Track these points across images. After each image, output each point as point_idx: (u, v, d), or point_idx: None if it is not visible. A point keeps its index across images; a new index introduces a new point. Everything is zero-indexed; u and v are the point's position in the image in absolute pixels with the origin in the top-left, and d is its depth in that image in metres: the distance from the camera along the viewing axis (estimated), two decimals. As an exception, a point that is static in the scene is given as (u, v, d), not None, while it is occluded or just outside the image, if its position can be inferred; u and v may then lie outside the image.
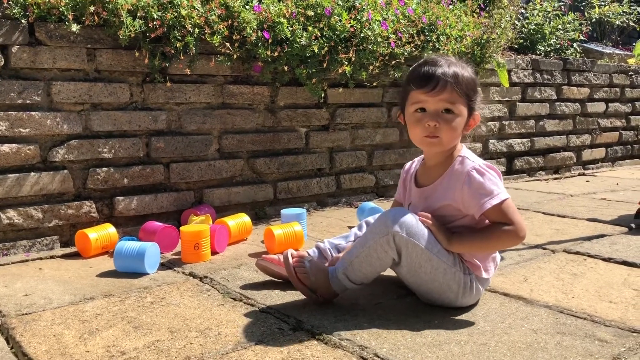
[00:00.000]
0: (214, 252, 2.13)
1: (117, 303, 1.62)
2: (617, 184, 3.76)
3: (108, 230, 2.18)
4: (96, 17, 2.21)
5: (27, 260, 2.09)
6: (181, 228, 2.06)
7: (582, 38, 5.04)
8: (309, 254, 1.70)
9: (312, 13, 2.65)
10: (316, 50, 2.60)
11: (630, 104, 4.83)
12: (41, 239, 2.21)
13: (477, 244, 1.46)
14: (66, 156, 2.24)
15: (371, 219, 1.78)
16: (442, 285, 1.47)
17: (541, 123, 4.13)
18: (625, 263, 1.93)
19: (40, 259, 2.11)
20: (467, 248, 1.47)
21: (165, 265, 2.00)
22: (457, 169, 1.50)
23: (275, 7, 2.55)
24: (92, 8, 2.19)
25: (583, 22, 5.08)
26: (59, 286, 1.79)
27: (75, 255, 2.16)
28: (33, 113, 2.16)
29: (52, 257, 2.14)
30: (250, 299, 1.63)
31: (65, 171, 2.25)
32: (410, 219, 1.45)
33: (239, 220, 2.31)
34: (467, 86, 1.47)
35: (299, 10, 2.62)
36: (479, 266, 1.51)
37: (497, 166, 3.87)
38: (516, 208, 1.46)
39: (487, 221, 1.49)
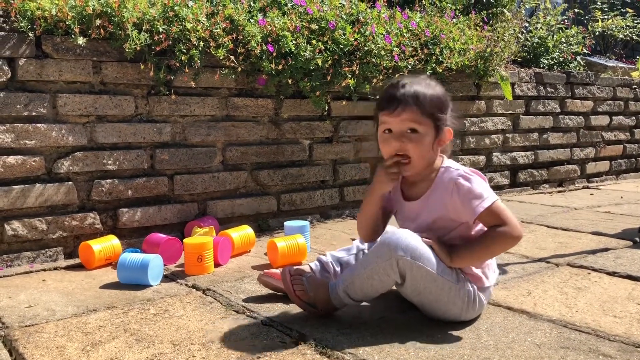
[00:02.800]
0: (217, 265, 2.13)
1: (120, 315, 1.62)
2: (622, 197, 3.75)
3: (112, 242, 2.19)
4: (102, 31, 2.23)
5: (30, 272, 2.09)
6: (184, 240, 2.06)
7: (586, 51, 5.05)
8: (311, 268, 1.70)
9: (316, 27, 2.67)
10: (320, 64, 2.61)
11: (634, 117, 4.83)
12: (45, 251, 2.22)
13: (477, 253, 1.46)
14: (71, 168, 2.25)
15: None
16: (447, 303, 1.47)
17: (545, 136, 4.13)
18: (629, 277, 1.93)
19: (44, 270, 2.12)
20: (468, 260, 1.47)
21: (168, 277, 2.01)
22: (443, 179, 1.52)
23: (280, 20, 2.57)
24: (98, 21, 2.21)
25: (586, 35, 5.09)
26: (62, 298, 1.79)
27: (79, 267, 2.16)
28: (39, 125, 2.18)
29: (55, 268, 2.14)
30: (253, 311, 1.63)
31: (70, 183, 2.26)
32: (414, 241, 1.45)
33: (242, 233, 2.31)
34: (432, 104, 1.48)
35: (303, 24, 2.64)
36: (480, 277, 1.52)
37: (501, 179, 3.87)
38: (507, 208, 1.47)
39: (479, 226, 1.51)
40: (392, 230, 1.50)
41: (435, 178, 1.54)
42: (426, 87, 1.49)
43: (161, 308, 1.68)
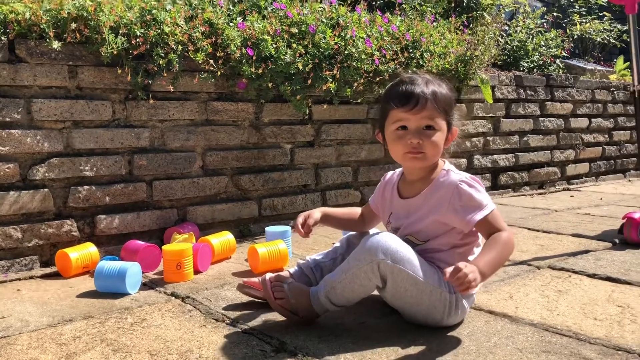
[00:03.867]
0: (197, 272, 2.10)
1: (96, 325, 1.59)
2: (601, 198, 3.79)
3: (89, 250, 2.15)
4: (78, 34, 2.19)
5: (4, 282, 2.04)
6: (163, 247, 2.03)
7: (565, 54, 5.11)
8: (290, 274, 1.68)
9: (297, 30, 2.65)
10: (300, 67, 2.60)
11: (612, 120, 4.89)
12: (20, 259, 2.17)
13: (495, 262, 1.38)
14: (47, 174, 2.21)
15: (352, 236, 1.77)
16: (429, 307, 1.46)
17: (525, 138, 4.16)
18: (609, 279, 1.93)
19: (19, 279, 2.07)
20: (491, 270, 1.38)
21: (147, 285, 1.97)
22: (443, 182, 1.51)
23: (260, 24, 2.55)
24: (73, 25, 2.17)
25: (565, 38, 5.15)
26: (37, 308, 1.75)
27: (56, 276, 2.12)
28: (13, 131, 2.13)
29: (31, 277, 2.10)
30: (233, 319, 1.61)
31: (46, 190, 2.21)
32: (395, 243, 1.44)
33: (222, 239, 2.28)
34: (445, 102, 1.50)
35: (283, 27, 2.63)
36: None
37: (483, 181, 3.87)
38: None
39: (464, 233, 1.50)
40: (373, 233, 1.49)
41: (434, 179, 1.53)
42: (439, 85, 1.51)
43: (139, 317, 1.65)
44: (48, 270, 2.17)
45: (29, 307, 1.75)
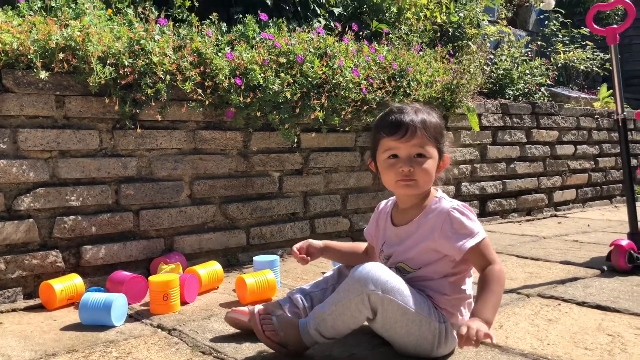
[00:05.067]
0: (183, 302, 2.07)
1: (80, 359, 1.55)
2: (589, 225, 3.80)
3: (74, 281, 2.11)
4: (65, 64, 2.19)
5: (-13, 314, 2.00)
6: (149, 278, 2.00)
7: (549, 82, 5.19)
8: (280, 305, 1.67)
9: (285, 60, 2.67)
10: (289, 97, 2.61)
11: (597, 146, 4.94)
12: (3, 291, 2.13)
13: (495, 305, 1.39)
14: (32, 205, 2.18)
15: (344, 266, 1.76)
16: (418, 337, 1.45)
17: (512, 165, 4.19)
18: (599, 307, 1.93)
19: (1, 312, 2.03)
20: (495, 314, 1.39)
21: (133, 317, 1.94)
22: (435, 208, 1.52)
23: (248, 54, 2.56)
24: (61, 55, 2.17)
25: (549, 67, 5.23)
26: (19, 342, 1.71)
27: (39, 308, 2.07)
28: (-2, 161, 2.11)
29: (14, 310, 2.05)
30: (220, 352, 1.58)
31: (31, 220, 2.18)
32: (384, 274, 1.43)
33: (209, 269, 2.26)
34: (435, 130, 1.52)
35: (272, 57, 2.65)
36: (454, 313, 1.50)
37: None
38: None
39: (456, 261, 1.49)
40: (362, 264, 1.48)
41: (427, 206, 1.54)
42: (428, 114, 1.54)
43: (124, 350, 1.62)
44: (31, 302, 2.13)
45: (11, 341, 1.71)
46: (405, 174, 1.49)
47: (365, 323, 1.53)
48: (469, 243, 1.44)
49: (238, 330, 1.73)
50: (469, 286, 1.55)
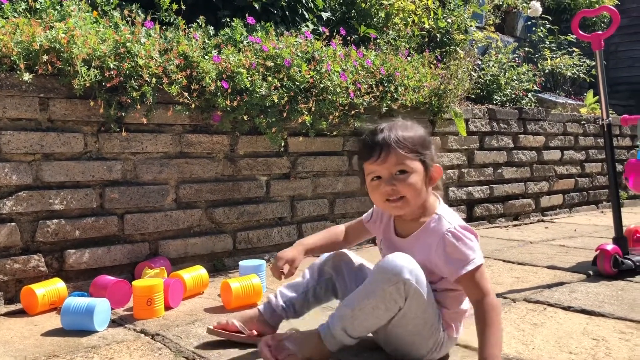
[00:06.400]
0: (168, 308, 2.04)
1: (60, 365, 1.53)
2: (575, 230, 3.82)
3: (57, 286, 2.08)
4: (50, 67, 2.17)
5: (-33, 320, 1.97)
6: (133, 283, 1.98)
7: (536, 88, 5.22)
8: (259, 311, 1.64)
9: (272, 64, 2.66)
10: (276, 100, 2.60)
11: (584, 152, 4.98)
12: (-16, 296, 2.10)
13: (499, 341, 1.36)
14: (14, 208, 2.15)
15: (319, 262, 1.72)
16: (422, 340, 1.45)
17: (499, 171, 4.21)
18: (584, 311, 1.93)
19: (-18, 317, 2.00)
20: (500, 348, 1.36)
21: (116, 322, 1.91)
22: (432, 228, 1.48)
23: (235, 57, 2.55)
24: (45, 57, 2.15)
25: (537, 73, 5.27)
26: (-1, 348, 1.68)
27: (21, 313, 2.04)
28: (-20, 164, 2.08)
29: (-6, 315, 2.02)
30: (204, 357, 1.56)
31: (13, 224, 2.15)
32: (417, 266, 1.41)
33: (194, 274, 2.24)
34: (414, 143, 1.47)
35: (259, 61, 2.64)
36: (452, 326, 1.51)
37: (458, 213, 3.89)
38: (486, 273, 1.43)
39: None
40: (392, 255, 1.43)
41: (426, 222, 1.49)
42: (403, 129, 1.48)
43: (106, 356, 1.59)
44: (12, 307, 2.10)
45: (-9, 347, 1.68)
46: (390, 193, 1.46)
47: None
48: (463, 270, 1.39)
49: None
50: (467, 301, 1.52)
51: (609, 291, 2.19)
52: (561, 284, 2.33)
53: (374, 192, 1.50)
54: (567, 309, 1.98)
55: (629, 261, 2.43)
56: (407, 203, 1.47)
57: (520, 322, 1.84)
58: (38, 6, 2.38)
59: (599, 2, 6.58)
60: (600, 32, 2.55)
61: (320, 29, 3.32)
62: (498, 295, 2.16)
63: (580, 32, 2.61)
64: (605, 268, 2.41)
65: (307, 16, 3.42)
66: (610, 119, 2.54)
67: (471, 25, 4.63)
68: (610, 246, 2.44)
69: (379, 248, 1.66)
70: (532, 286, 2.29)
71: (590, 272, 2.48)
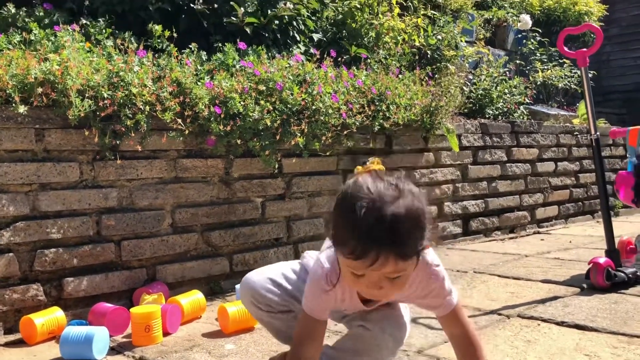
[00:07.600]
0: (166, 333, 2.06)
1: (59, 396, 1.54)
2: (570, 241, 3.85)
3: (55, 314, 2.10)
4: (45, 98, 2.20)
5: (-34, 351, 1.99)
6: (131, 309, 2.00)
7: (528, 101, 5.27)
8: None
9: (264, 87, 2.71)
10: (269, 124, 2.64)
11: (578, 163, 5.02)
12: (-17, 327, 2.11)
13: None
14: (12, 239, 2.18)
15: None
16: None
17: (494, 184, 4.24)
18: (577, 326, 1.96)
19: (-19, 348, 2.01)
20: None
21: (115, 350, 1.93)
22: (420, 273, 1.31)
23: (227, 82, 2.60)
24: (40, 89, 2.19)
25: (528, 85, 5.32)
26: (-2, 380, 1.70)
27: (20, 343, 2.06)
28: (-23, 196, 2.11)
29: (-6, 346, 2.04)
30: (201, 384, 1.58)
31: (11, 254, 2.18)
32: (406, 329, 1.50)
33: (192, 298, 2.26)
34: (415, 241, 1.15)
35: (251, 85, 2.68)
36: None
37: (454, 228, 3.93)
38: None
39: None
40: (392, 329, 1.45)
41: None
42: (406, 218, 1.12)
43: (104, 385, 1.61)
44: (12, 337, 2.11)
45: (-10, 379, 1.70)
46: (375, 295, 1.25)
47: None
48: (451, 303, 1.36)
49: (219, 361, 1.72)
50: None
51: (602, 304, 2.22)
52: (555, 298, 2.35)
53: (353, 283, 1.22)
54: (561, 324, 2.00)
55: (622, 274, 2.46)
56: (389, 299, 1.37)
57: (514, 339, 1.86)
58: (32, 37, 2.43)
59: (587, 14, 6.66)
60: (585, 49, 2.60)
61: (311, 50, 3.37)
62: (492, 312, 2.18)
63: (566, 49, 2.65)
64: (598, 281, 2.44)
65: (298, 38, 3.47)
66: (598, 134, 2.58)
67: (462, 41, 4.69)
68: (602, 259, 2.46)
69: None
70: (527, 301, 2.32)
71: (584, 286, 2.51)
